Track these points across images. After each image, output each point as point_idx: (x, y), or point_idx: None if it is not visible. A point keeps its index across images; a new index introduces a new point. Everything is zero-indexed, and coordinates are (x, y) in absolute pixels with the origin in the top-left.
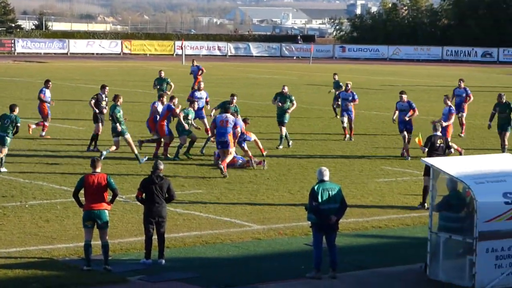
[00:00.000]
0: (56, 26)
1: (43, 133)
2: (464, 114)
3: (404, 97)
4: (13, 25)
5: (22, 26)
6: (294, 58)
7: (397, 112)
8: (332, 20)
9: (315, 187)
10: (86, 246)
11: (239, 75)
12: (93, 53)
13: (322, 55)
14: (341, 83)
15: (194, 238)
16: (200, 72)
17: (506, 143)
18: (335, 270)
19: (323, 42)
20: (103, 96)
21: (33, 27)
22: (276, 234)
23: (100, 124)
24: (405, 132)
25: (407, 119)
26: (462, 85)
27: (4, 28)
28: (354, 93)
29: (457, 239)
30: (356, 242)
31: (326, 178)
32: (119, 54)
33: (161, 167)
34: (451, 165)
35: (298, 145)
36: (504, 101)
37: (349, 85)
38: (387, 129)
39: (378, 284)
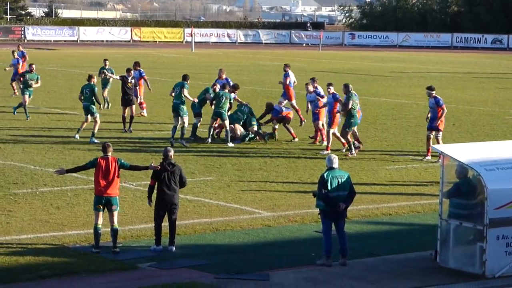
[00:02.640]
0: (66, 13)
1: None
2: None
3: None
4: (23, 12)
5: (32, 14)
6: (304, 45)
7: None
8: (342, 7)
9: (325, 175)
10: (95, 229)
11: (249, 62)
12: (103, 41)
13: (332, 42)
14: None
15: (204, 225)
16: (24, 59)
17: None
18: (345, 257)
19: (333, 29)
20: (129, 78)
21: (43, 14)
22: (286, 221)
23: (126, 106)
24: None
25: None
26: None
27: (15, 16)
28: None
29: (467, 226)
30: (366, 229)
31: (336, 165)
32: (129, 41)
33: (171, 153)
34: (461, 151)
35: (308, 133)
36: None
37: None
38: (397, 116)
39: (388, 271)
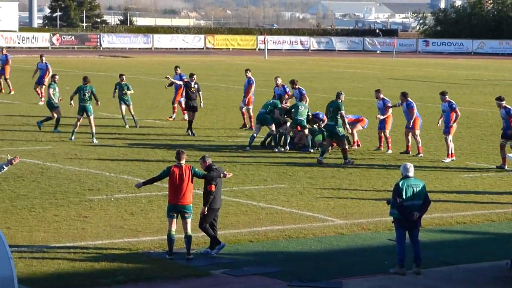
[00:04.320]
0: (140, 21)
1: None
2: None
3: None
4: (99, 20)
5: (107, 21)
6: (377, 52)
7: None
8: (416, 14)
9: (400, 183)
10: (169, 235)
11: (322, 70)
12: (176, 48)
13: (405, 49)
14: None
15: (277, 232)
16: (8, 62)
17: None
18: (419, 266)
19: (407, 36)
20: (192, 83)
21: (118, 22)
22: (359, 229)
23: (190, 111)
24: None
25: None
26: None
27: (90, 24)
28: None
29: None
30: (440, 238)
31: (411, 174)
32: (202, 48)
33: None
34: None
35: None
36: None
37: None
38: (471, 124)
39: (463, 280)
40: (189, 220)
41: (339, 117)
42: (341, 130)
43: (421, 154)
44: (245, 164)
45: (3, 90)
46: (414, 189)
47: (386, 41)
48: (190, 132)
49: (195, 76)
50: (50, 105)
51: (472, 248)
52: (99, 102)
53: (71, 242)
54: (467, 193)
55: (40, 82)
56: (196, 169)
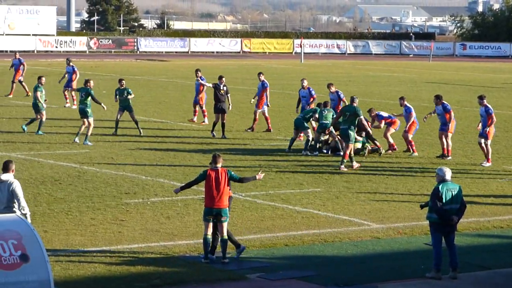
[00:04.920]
0: (177, 25)
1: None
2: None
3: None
4: (136, 24)
5: (144, 25)
6: (411, 56)
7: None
8: (453, 18)
9: (439, 187)
10: (205, 239)
11: (358, 73)
12: (213, 52)
13: (443, 53)
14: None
15: (313, 236)
16: (21, 66)
17: None
18: (455, 270)
19: (444, 39)
20: (221, 86)
21: (155, 26)
22: (395, 233)
23: (219, 114)
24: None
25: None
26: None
27: (128, 27)
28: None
29: None
30: (477, 242)
31: (448, 177)
32: (239, 52)
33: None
34: None
35: (417, 144)
36: None
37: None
38: (509, 128)
39: (500, 285)
40: (225, 224)
41: (355, 121)
42: (352, 134)
43: (450, 157)
44: (281, 168)
45: (29, 93)
46: (453, 192)
47: (423, 44)
48: (214, 134)
49: (223, 79)
50: (36, 107)
51: (510, 252)
52: (103, 105)
53: (108, 246)
54: (505, 197)
55: (68, 85)
56: (233, 173)
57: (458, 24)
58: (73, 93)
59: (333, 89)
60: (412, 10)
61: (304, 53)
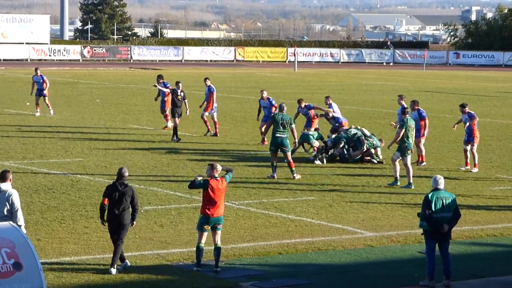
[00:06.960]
0: (171, 33)
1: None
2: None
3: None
4: (130, 32)
5: (138, 34)
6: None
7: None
8: (447, 26)
9: (429, 195)
10: (198, 247)
11: (352, 82)
12: (206, 60)
13: (436, 62)
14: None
15: (306, 244)
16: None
17: None
18: (449, 278)
19: (437, 48)
20: (178, 91)
21: (149, 34)
22: (388, 241)
23: (176, 118)
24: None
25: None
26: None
27: (121, 36)
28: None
29: None
30: (470, 250)
31: (441, 186)
32: (232, 61)
33: (126, 174)
34: None
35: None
36: None
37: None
38: (502, 137)
39: None
40: (219, 232)
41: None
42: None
43: (424, 163)
44: (275, 176)
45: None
46: (444, 201)
47: (417, 53)
48: (175, 138)
49: (180, 84)
50: None
51: (503, 261)
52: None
53: (101, 254)
54: (498, 206)
55: (41, 94)
56: (227, 177)
57: (452, 33)
58: (46, 100)
59: (303, 104)
60: (405, 18)
61: (297, 61)
